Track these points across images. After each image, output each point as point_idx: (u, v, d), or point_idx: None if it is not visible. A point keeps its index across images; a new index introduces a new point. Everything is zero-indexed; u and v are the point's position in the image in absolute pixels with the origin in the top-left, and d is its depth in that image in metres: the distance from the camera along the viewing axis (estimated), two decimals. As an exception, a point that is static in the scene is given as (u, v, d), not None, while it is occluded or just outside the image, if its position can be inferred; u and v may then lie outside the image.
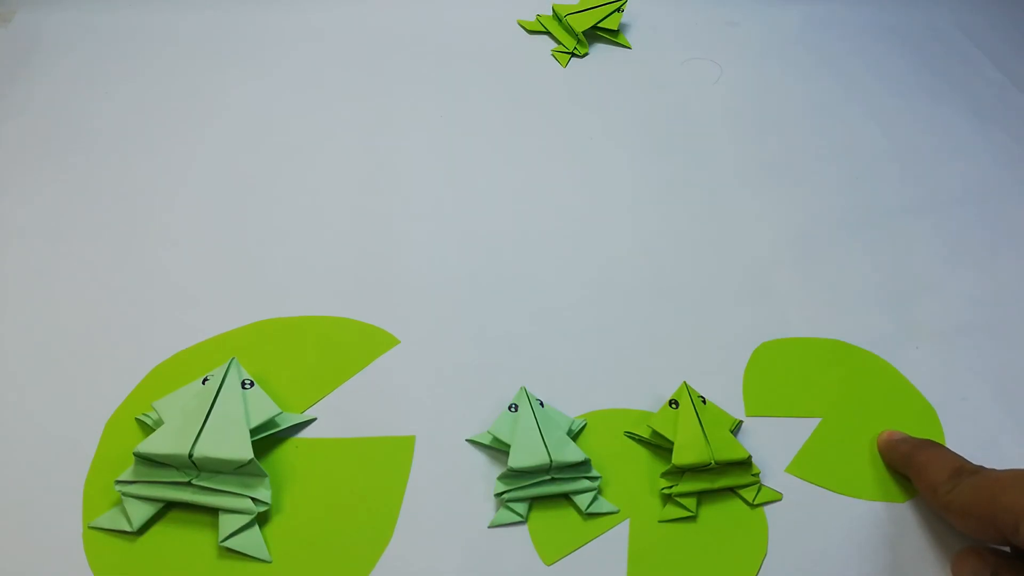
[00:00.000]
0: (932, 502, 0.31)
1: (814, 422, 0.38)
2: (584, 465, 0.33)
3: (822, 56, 0.62)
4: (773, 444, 0.37)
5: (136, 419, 0.34)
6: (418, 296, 0.41)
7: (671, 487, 0.33)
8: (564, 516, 0.33)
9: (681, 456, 0.33)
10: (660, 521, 0.33)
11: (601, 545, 0.32)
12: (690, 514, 0.33)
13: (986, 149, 0.55)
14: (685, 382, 0.36)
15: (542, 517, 0.33)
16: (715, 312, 0.42)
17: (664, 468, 0.34)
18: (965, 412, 0.38)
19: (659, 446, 0.35)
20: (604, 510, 0.33)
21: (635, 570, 0.32)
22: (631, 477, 0.35)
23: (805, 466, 0.36)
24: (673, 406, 0.35)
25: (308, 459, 0.34)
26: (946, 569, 0.32)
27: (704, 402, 0.36)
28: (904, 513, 0.34)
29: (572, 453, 0.33)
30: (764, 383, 0.39)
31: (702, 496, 0.34)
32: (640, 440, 0.36)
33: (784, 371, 0.40)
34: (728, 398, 0.38)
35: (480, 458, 0.35)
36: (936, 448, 0.33)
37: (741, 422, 0.37)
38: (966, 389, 0.40)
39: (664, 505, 0.34)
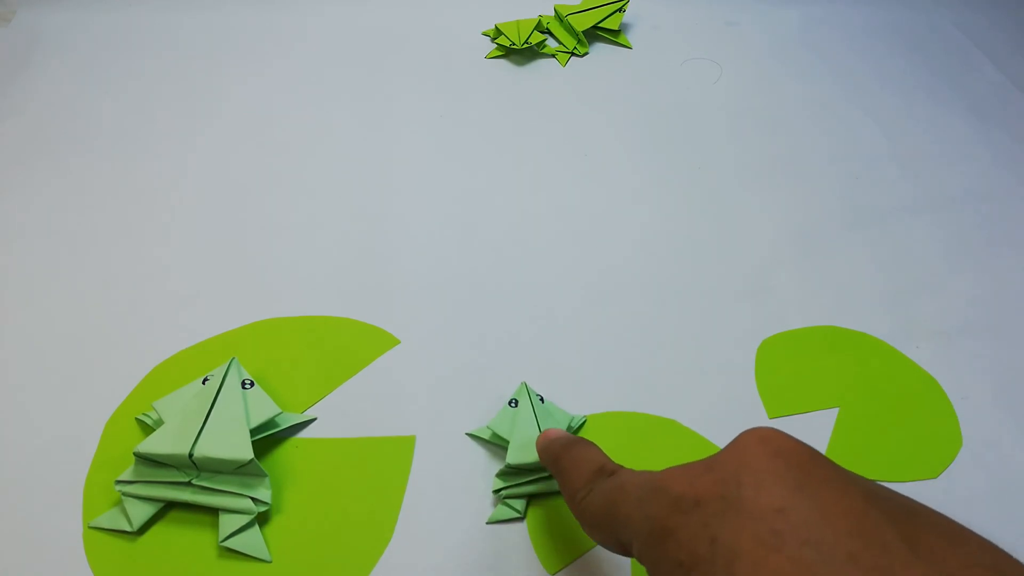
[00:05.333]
0: (572, 510, 0.26)
1: (833, 413, 0.38)
2: None
3: (822, 56, 0.62)
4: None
5: (136, 419, 0.34)
6: (418, 296, 0.41)
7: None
8: (564, 521, 0.33)
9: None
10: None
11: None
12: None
13: (986, 149, 0.55)
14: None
15: (542, 523, 0.33)
16: (716, 312, 0.42)
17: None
18: (965, 412, 0.38)
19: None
20: None
21: (639, 570, 0.32)
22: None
23: (839, 459, 0.36)
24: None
25: (308, 459, 0.34)
26: (991, 540, 0.33)
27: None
28: (939, 487, 0.35)
29: None
30: (777, 382, 0.39)
31: None
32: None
33: (791, 366, 0.40)
34: (737, 398, 0.38)
35: (480, 459, 0.35)
36: (583, 448, 0.28)
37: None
38: (966, 389, 0.39)
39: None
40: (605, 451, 0.32)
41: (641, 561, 0.22)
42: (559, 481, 0.28)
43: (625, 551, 0.23)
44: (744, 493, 0.20)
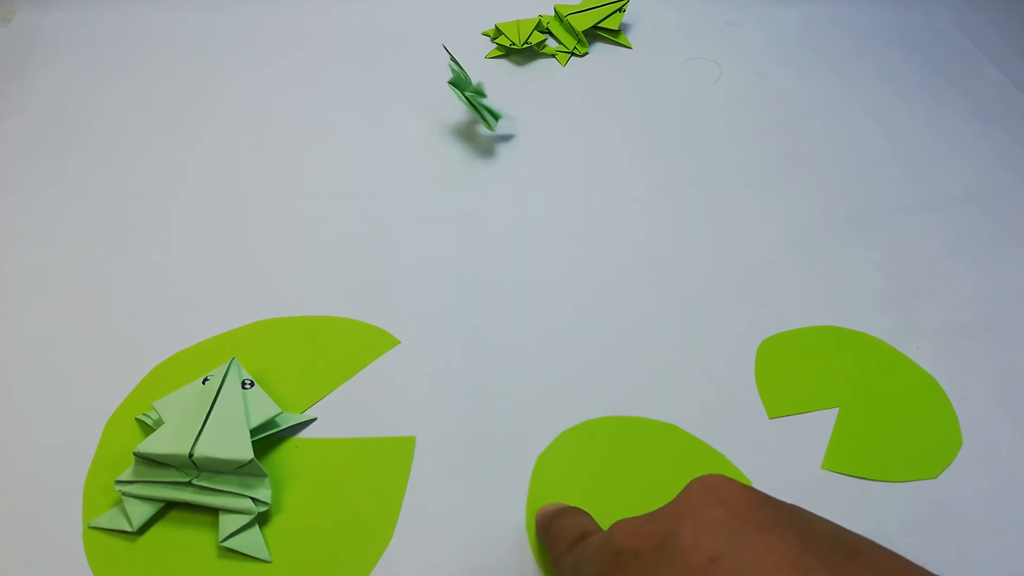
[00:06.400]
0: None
1: (833, 413, 0.38)
2: None
3: (822, 56, 0.62)
4: (801, 442, 0.37)
5: (136, 419, 0.34)
6: (418, 296, 0.41)
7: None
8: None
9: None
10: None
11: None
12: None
13: (986, 148, 0.55)
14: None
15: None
16: (716, 312, 0.42)
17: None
18: (965, 412, 0.38)
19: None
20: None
21: None
22: (628, 480, 0.35)
23: (839, 459, 0.36)
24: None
25: (308, 459, 0.34)
26: (991, 540, 0.33)
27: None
28: (939, 487, 0.35)
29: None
30: (777, 382, 0.39)
31: None
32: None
33: (791, 366, 0.40)
34: (737, 398, 0.38)
35: (480, 459, 0.35)
36: (570, 516, 0.29)
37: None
38: (966, 389, 0.39)
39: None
40: (604, 456, 0.32)
41: None
42: (548, 549, 0.29)
43: None
44: (681, 542, 0.20)
